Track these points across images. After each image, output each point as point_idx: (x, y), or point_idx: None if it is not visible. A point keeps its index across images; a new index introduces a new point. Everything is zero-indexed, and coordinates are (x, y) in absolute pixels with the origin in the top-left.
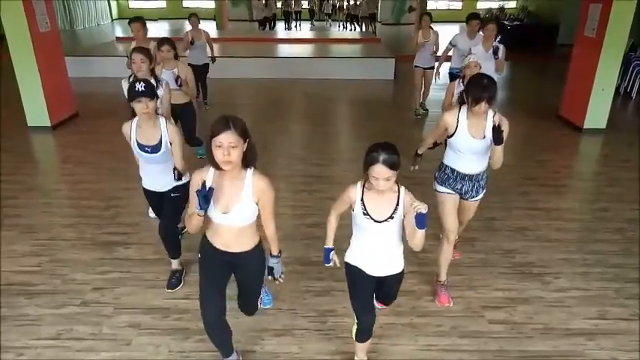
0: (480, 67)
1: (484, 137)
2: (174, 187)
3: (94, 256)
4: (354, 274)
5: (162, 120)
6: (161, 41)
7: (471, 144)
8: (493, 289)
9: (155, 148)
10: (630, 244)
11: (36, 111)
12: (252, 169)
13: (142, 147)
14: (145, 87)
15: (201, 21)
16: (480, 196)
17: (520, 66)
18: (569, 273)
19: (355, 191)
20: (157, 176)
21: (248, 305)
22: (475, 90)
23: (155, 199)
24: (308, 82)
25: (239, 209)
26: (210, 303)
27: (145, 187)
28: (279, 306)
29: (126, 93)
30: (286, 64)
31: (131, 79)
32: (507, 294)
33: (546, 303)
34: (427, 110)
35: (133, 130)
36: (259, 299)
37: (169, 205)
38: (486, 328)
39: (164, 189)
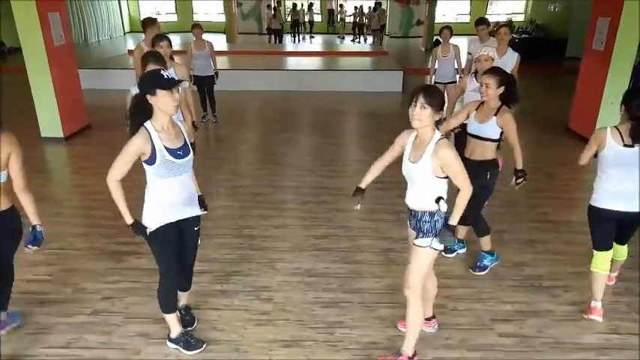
0: (493, 60)
1: (419, 162)
2: (197, 216)
3: (104, 266)
4: None
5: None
6: (159, 37)
7: (406, 166)
8: (502, 301)
9: (185, 150)
10: None
11: (49, 122)
12: None
13: (173, 152)
14: (170, 74)
15: (207, 33)
16: (419, 242)
17: (528, 79)
18: (579, 286)
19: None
20: (187, 191)
21: None
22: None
23: (176, 235)
24: (316, 95)
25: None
26: None
27: (171, 220)
28: (287, 317)
29: (132, 95)
30: (295, 77)
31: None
32: (517, 307)
33: (556, 316)
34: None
35: (155, 137)
36: None
37: (191, 243)
38: (495, 341)
39: (192, 212)
